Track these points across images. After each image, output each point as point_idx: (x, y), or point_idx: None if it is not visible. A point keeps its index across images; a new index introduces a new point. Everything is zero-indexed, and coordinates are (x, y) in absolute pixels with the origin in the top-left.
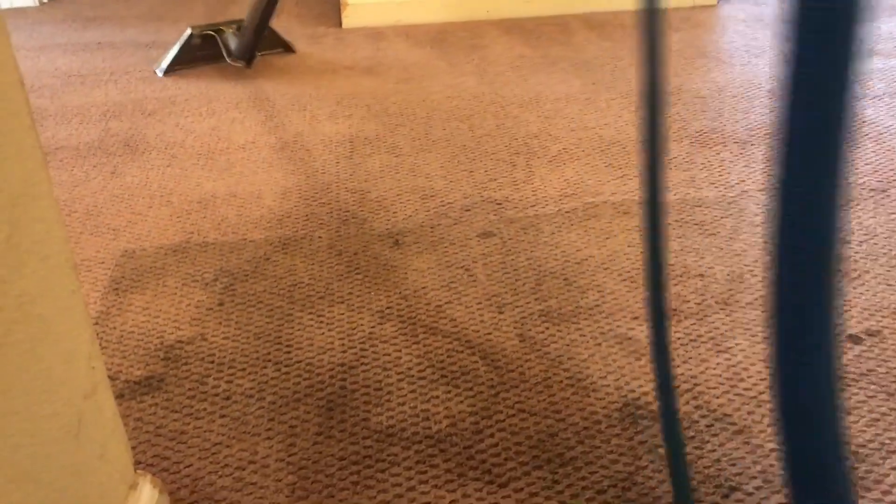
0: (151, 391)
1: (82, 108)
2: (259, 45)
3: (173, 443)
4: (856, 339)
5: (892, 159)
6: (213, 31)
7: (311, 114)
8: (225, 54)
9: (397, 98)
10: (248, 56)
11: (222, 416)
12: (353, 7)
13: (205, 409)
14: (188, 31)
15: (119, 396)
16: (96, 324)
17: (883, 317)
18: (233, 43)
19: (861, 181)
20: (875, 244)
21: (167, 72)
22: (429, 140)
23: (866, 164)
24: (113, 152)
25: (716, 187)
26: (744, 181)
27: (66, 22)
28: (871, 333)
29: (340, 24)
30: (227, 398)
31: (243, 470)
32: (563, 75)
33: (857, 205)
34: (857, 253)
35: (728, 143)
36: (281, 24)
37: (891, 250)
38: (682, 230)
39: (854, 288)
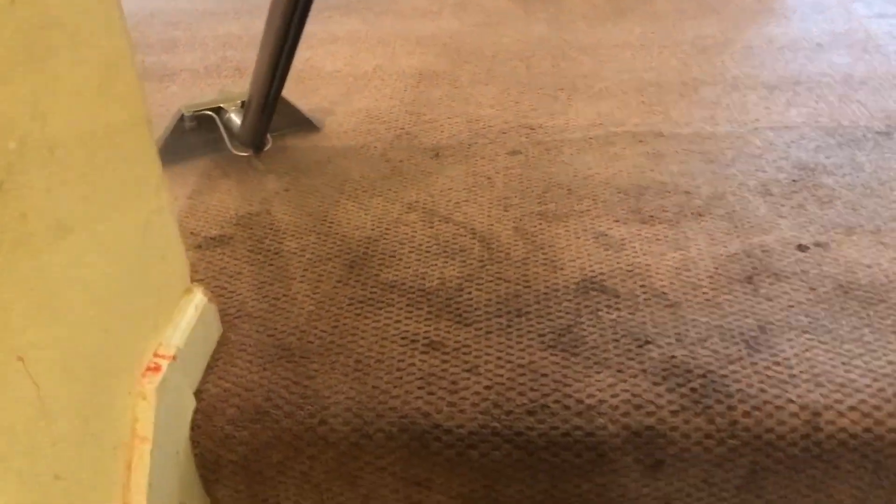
0: (222, 245)
1: (207, 39)
2: (269, 126)
3: (231, 278)
4: (803, 248)
5: None
6: (210, 109)
7: (393, 50)
8: (226, 140)
9: (471, 39)
10: (256, 142)
11: (270, 265)
12: None
13: (258, 259)
14: (178, 112)
15: (197, 247)
16: (190, 198)
17: (836, 233)
18: (237, 124)
19: (868, 124)
20: (857, 177)
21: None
22: (489, 75)
23: (878, 109)
24: (224, 75)
25: (730, 124)
26: (758, 119)
27: None
28: (818, 244)
29: None
30: (277, 253)
31: (277, 300)
32: (628, 24)
33: (857, 144)
34: (837, 182)
35: (758, 87)
36: None
37: (869, 182)
38: (685, 157)
39: (820, 209)
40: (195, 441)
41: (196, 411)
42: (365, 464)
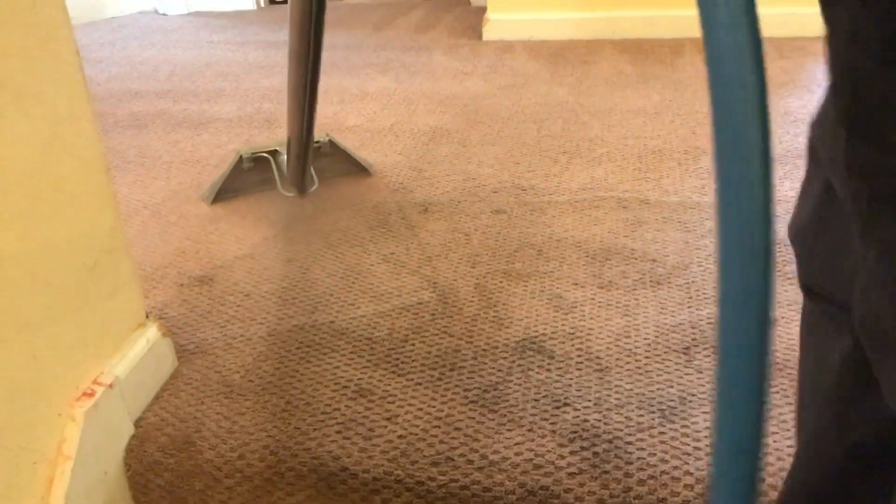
0: (201, 285)
1: (250, 91)
2: (307, 170)
3: (200, 317)
4: None
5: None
6: (266, 152)
7: (415, 108)
8: (278, 181)
9: (492, 101)
10: (299, 185)
11: (239, 306)
12: (493, 23)
13: (230, 300)
14: (237, 155)
15: (181, 285)
16: (191, 240)
17: (791, 310)
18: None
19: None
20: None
21: (215, 200)
22: (498, 136)
23: None
24: (255, 125)
25: None
26: None
27: (272, 24)
28: None
29: (481, 37)
30: (247, 295)
31: (234, 339)
32: (648, 91)
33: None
34: None
35: None
36: (430, 36)
37: None
38: (663, 225)
39: (783, 285)
40: (128, 464)
41: (133, 436)
42: (277, 499)
